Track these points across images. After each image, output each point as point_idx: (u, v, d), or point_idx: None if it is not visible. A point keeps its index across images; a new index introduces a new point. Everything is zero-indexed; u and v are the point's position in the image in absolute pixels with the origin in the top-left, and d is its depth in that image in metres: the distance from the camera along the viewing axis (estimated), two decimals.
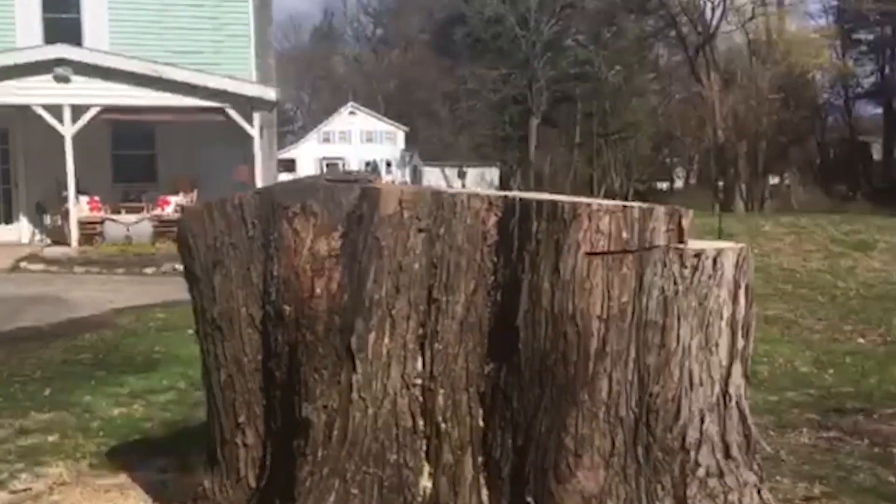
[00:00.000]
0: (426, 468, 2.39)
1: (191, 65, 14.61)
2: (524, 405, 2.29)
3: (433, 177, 52.22)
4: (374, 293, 2.45)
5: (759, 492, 2.41)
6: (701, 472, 2.35)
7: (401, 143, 58.89)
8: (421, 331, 2.45)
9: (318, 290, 2.55)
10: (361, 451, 2.37)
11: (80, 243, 14.21)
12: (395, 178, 57.45)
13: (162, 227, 14.69)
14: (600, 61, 49.25)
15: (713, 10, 40.07)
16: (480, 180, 51.06)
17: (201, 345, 2.91)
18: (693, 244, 2.41)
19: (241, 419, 2.73)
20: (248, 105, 14.51)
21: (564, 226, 2.26)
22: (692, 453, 2.35)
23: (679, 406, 2.36)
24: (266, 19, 17.56)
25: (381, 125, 58.36)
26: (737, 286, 2.45)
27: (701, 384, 2.40)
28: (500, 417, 2.34)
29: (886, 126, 48.24)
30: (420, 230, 2.45)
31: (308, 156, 56.94)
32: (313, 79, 64.77)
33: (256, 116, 14.61)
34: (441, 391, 2.39)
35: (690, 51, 40.71)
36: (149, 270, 12.62)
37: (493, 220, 2.43)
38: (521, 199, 2.37)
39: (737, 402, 2.45)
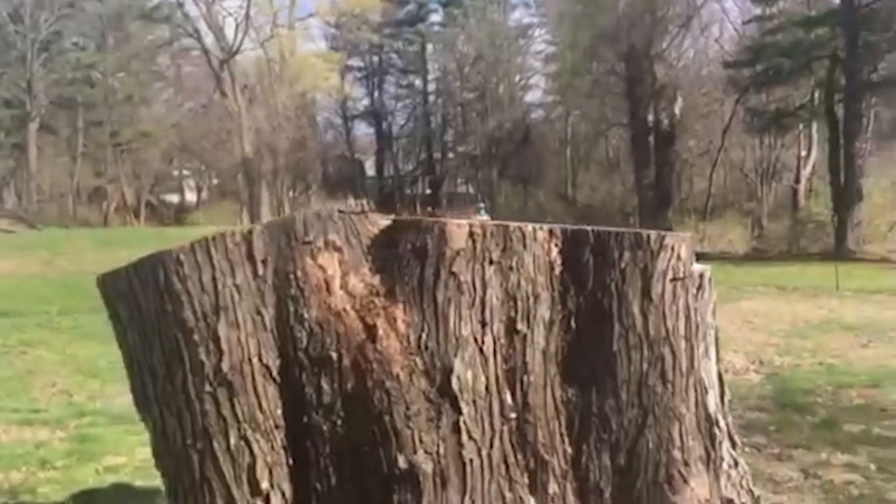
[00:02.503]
0: (531, 501, 2.36)
1: None
2: (624, 426, 2.40)
3: None
4: (462, 329, 2.34)
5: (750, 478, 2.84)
6: (724, 465, 2.69)
7: None
8: (505, 365, 2.40)
9: (380, 332, 2.35)
10: (483, 494, 2.25)
11: None
12: None
13: None
14: (106, 67, 46.62)
15: (237, 26, 40.75)
16: None
17: (187, 407, 2.41)
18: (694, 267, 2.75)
19: (264, 485, 2.36)
20: None
21: (652, 255, 2.43)
22: (718, 450, 2.69)
23: (706, 409, 2.68)
24: None
25: None
26: (715, 303, 2.86)
27: (712, 387, 2.75)
28: (597, 440, 2.41)
29: (379, 145, 53.95)
30: (491, 262, 2.41)
31: None
32: None
33: None
34: (538, 422, 2.38)
35: (215, 64, 40.78)
36: None
37: (555, 250, 2.49)
38: (593, 230, 2.47)
39: (728, 401, 2.85)
